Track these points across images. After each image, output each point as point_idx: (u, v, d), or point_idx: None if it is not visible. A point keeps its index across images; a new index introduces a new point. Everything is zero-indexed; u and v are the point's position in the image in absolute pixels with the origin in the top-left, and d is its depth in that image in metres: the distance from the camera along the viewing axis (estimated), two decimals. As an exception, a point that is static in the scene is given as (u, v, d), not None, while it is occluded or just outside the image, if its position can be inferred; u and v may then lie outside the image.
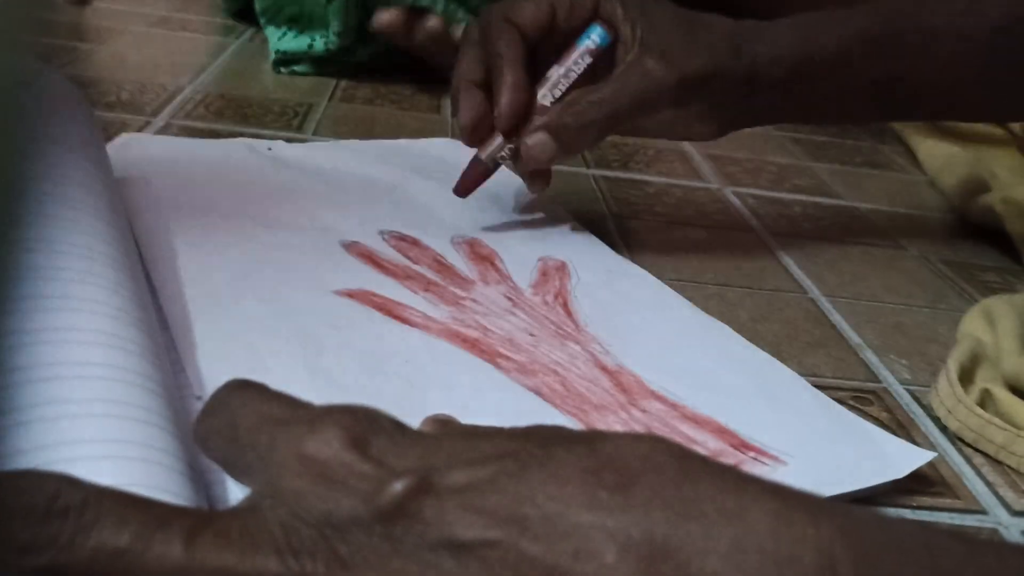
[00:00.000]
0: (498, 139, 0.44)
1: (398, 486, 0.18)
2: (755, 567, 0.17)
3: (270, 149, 0.53)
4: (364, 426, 0.20)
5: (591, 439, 0.20)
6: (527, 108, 0.44)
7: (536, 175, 0.46)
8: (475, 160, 0.45)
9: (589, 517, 0.18)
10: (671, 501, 0.18)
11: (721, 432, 0.33)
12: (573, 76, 0.44)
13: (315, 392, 0.22)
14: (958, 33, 0.47)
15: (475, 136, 0.45)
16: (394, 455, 0.19)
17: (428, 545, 0.18)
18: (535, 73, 0.45)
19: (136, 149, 0.50)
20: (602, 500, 0.18)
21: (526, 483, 0.18)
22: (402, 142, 0.59)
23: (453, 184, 0.46)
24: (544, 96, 0.44)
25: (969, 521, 0.32)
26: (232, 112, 0.63)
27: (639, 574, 0.17)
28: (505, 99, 0.43)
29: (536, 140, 0.43)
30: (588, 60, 0.45)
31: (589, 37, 0.45)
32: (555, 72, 0.45)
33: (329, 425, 0.20)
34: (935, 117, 0.60)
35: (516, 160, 0.45)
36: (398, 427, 0.21)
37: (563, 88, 0.44)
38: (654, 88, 0.43)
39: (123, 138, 0.51)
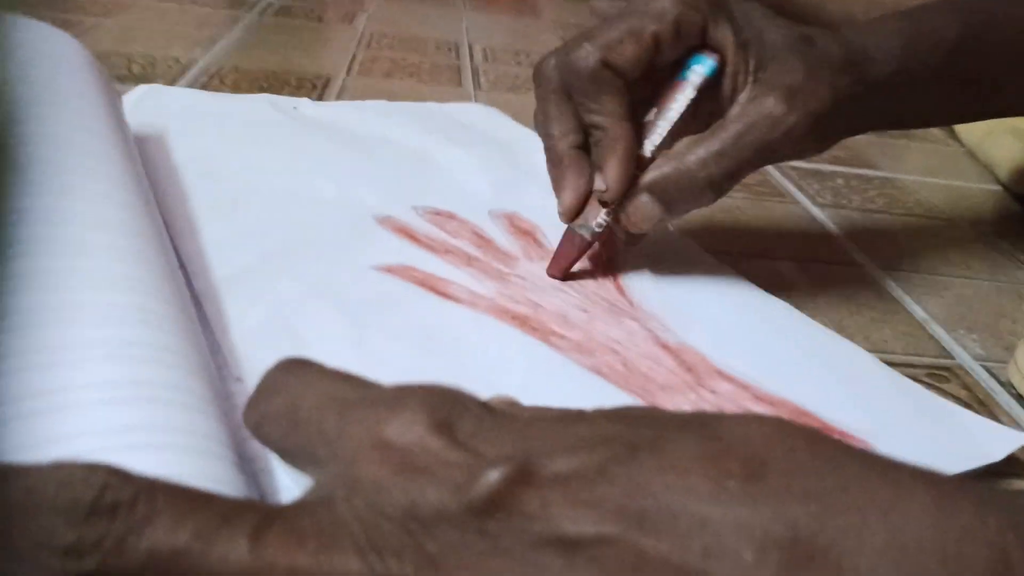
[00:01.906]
0: (598, 209, 0.36)
1: (494, 475, 0.16)
2: (917, 565, 0.15)
3: (296, 108, 0.50)
4: (448, 407, 0.17)
5: (704, 421, 0.17)
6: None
7: (633, 236, 0.38)
8: (571, 233, 0.37)
9: (718, 510, 0.15)
10: (812, 491, 0.15)
11: (799, 414, 0.30)
12: (675, 118, 0.36)
13: (364, 373, 0.19)
14: None
15: (576, 214, 0.37)
16: (484, 440, 0.17)
17: (531, 542, 0.15)
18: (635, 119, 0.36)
19: (153, 101, 0.47)
20: (731, 490, 0.15)
21: (640, 471, 0.16)
22: (431, 105, 0.56)
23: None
24: (649, 144, 0.36)
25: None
26: (248, 84, 0.60)
27: (781, 574, 0.14)
28: (614, 174, 0.35)
29: (641, 205, 0.36)
30: (692, 96, 0.36)
31: (693, 70, 0.36)
32: (656, 116, 0.36)
33: (410, 407, 0.17)
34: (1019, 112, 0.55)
35: (614, 221, 0.37)
36: (485, 408, 0.18)
37: (663, 133, 0.36)
38: (780, 134, 0.35)
39: (140, 89, 0.49)
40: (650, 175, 0.35)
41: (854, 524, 0.15)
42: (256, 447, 0.24)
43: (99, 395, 0.21)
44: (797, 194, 0.55)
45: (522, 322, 0.33)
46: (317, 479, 0.19)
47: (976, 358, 0.38)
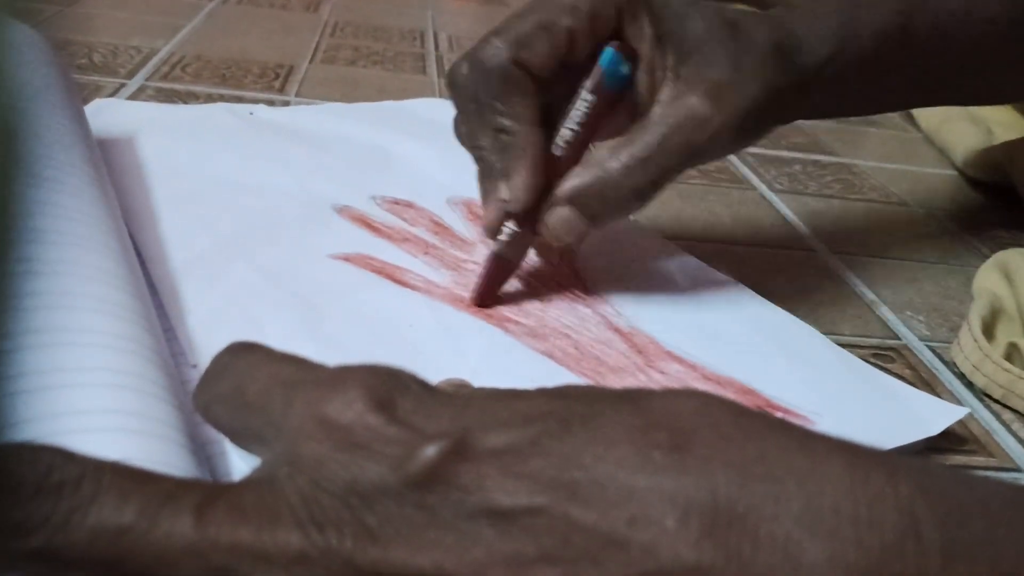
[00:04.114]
0: (510, 224, 0.33)
1: (431, 450, 0.16)
2: (831, 530, 0.15)
3: (252, 114, 0.51)
4: (389, 386, 0.18)
5: (636, 396, 0.18)
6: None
7: (552, 249, 0.36)
8: (495, 257, 0.34)
9: (644, 480, 0.16)
10: (734, 460, 0.16)
11: (744, 392, 0.31)
12: (582, 119, 0.33)
13: (318, 358, 0.20)
14: (979, 16, 0.41)
15: (496, 231, 0.34)
16: (423, 417, 0.18)
17: (466, 514, 0.16)
18: (548, 120, 0.33)
19: (110, 115, 0.47)
20: (657, 461, 0.16)
21: (571, 444, 0.17)
22: (388, 104, 0.57)
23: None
24: (556, 147, 0.33)
25: (1005, 479, 0.30)
26: (210, 74, 0.60)
27: (703, 540, 0.15)
28: (520, 183, 0.32)
29: (561, 218, 0.33)
30: (595, 97, 0.33)
31: (600, 66, 0.33)
32: (563, 116, 0.33)
33: (350, 385, 0.18)
34: (964, 102, 0.53)
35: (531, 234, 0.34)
36: (425, 387, 0.19)
37: (569, 137, 0.33)
38: (707, 136, 0.32)
39: (97, 103, 0.49)
40: (569, 185, 0.33)
41: (771, 492, 0.16)
42: (211, 431, 0.24)
43: (51, 380, 0.21)
44: (754, 180, 0.56)
45: (477, 308, 0.34)
46: (264, 458, 0.19)
47: (922, 339, 0.39)
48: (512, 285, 0.36)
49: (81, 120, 0.36)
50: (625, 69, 0.33)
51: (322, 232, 0.38)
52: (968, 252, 0.50)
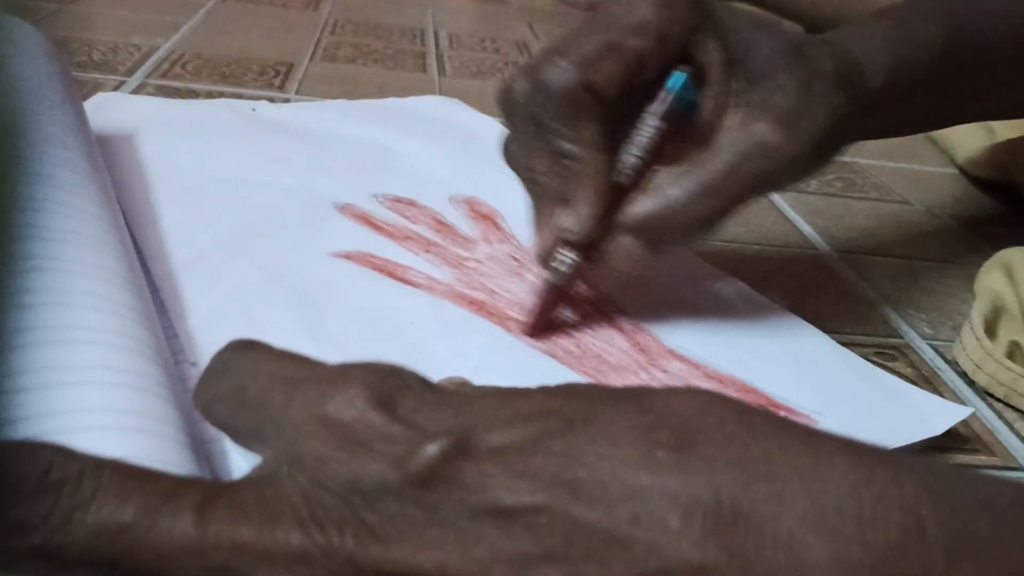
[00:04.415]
0: (569, 253, 0.32)
1: (432, 448, 0.16)
2: (834, 529, 0.15)
3: (254, 110, 0.50)
4: (390, 384, 0.18)
5: (638, 394, 0.18)
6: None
7: (608, 279, 0.35)
8: (546, 284, 0.32)
9: (647, 479, 0.16)
10: (737, 460, 0.16)
11: (746, 391, 0.31)
12: (649, 144, 0.31)
13: (318, 356, 0.20)
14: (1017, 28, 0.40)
15: (549, 258, 0.32)
16: (425, 415, 0.18)
17: (468, 512, 0.16)
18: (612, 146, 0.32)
19: (112, 109, 0.47)
20: (660, 460, 0.16)
21: (574, 443, 0.17)
22: (390, 101, 0.56)
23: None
24: (618, 174, 0.31)
25: (1008, 478, 0.30)
26: (210, 71, 0.60)
27: (706, 539, 0.15)
28: (587, 212, 0.31)
29: (623, 247, 0.32)
30: (663, 122, 0.31)
31: (670, 91, 0.31)
32: (628, 141, 0.31)
33: (352, 384, 0.18)
34: (1013, 115, 0.53)
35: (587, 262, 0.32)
36: (426, 385, 0.19)
37: (636, 163, 0.31)
38: (778, 165, 0.31)
39: (98, 98, 0.48)
40: (632, 213, 0.31)
41: (775, 491, 0.16)
42: (211, 430, 0.24)
43: (50, 378, 0.21)
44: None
45: (479, 307, 0.34)
46: (264, 457, 0.19)
47: (924, 337, 0.39)
48: (514, 284, 0.36)
49: (81, 118, 0.36)
50: (693, 94, 0.31)
51: (323, 230, 0.38)
52: (970, 250, 0.49)
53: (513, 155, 0.33)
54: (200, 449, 0.23)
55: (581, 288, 0.36)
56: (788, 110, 0.31)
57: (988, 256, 0.42)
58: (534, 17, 0.96)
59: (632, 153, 0.31)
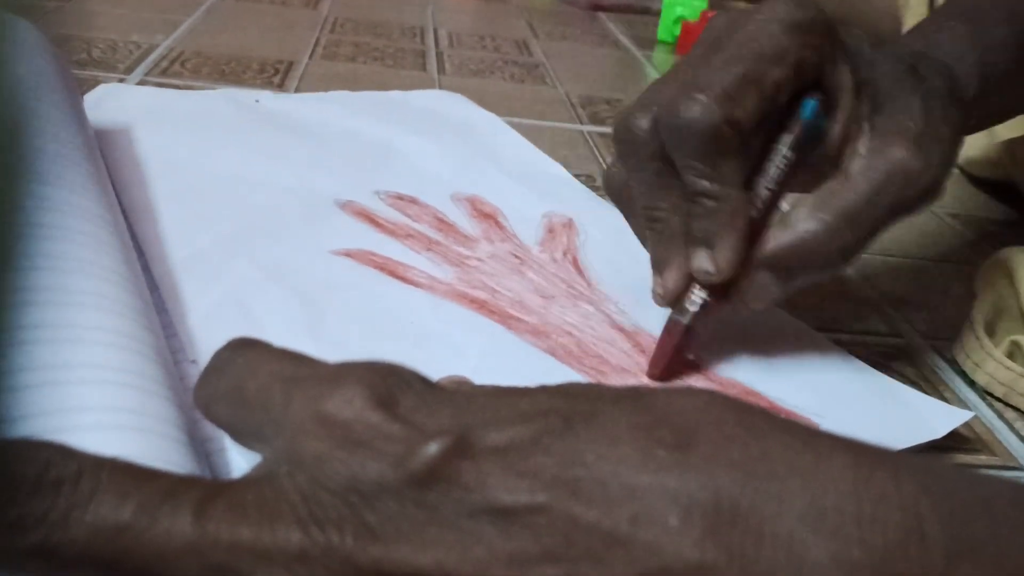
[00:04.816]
0: (702, 293, 0.31)
1: (432, 448, 0.16)
2: (834, 529, 0.15)
3: (257, 101, 0.50)
4: (390, 383, 0.18)
5: (638, 394, 0.18)
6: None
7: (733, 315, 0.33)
8: (678, 325, 0.31)
9: (647, 478, 0.16)
10: (737, 459, 0.16)
11: (747, 394, 0.31)
12: (781, 177, 0.30)
13: (320, 356, 0.20)
14: None
15: (678, 300, 0.31)
16: (424, 414, 0.18)
17: (467, 512, 0.16)
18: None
19: (114, 100, 0.47)
20: (660, 459, 0.16)
21: (573, 442, 0.16)
22: (393, 94, 0.56)
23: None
24: (752, 208, 0.30)
25: (1007, 478, 0.30)
26: (210, 69, 0.60)
27: (706, 539, 0.15)
28: (730, 255, 0.29)
29: (756, 285, 0.30)
30: (794, 152, 0.30)
31: (802, 120, 0.30)
32: (764, 174, 0.30)
33: (351, 382, 0.18)
34: None
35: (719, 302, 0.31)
36: (426, 384, 0.19)
37: (772, 192, 0.30)
38: (918, 189, 0.30)
39: (101, 89, 0.48)
40: (769, 249, 0.30)
41: (775, 490, 0.16)
42: (210, 428, 0.24)
43: (49, 377, 0.21)
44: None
45: (480, 306, 0.34)
46: (264, 455, 0.19)
47: (924, 336, 0.39)
48: (516, 283, 0.36)
49: (80, 116, 0.36)
50: (823, 121, 0.30)
51: (324, 227, 0.38)
52: (970, 250, 0.49)
53: (628, 192, 0.32)
54: (199, 448, 0.23)
55: (580, 285, 0.36)
56: (919, 133, 0.30)
57: (988, 255, 0.42)
58: (534, 16, 0.96)
59: (764, 186, 0.30)
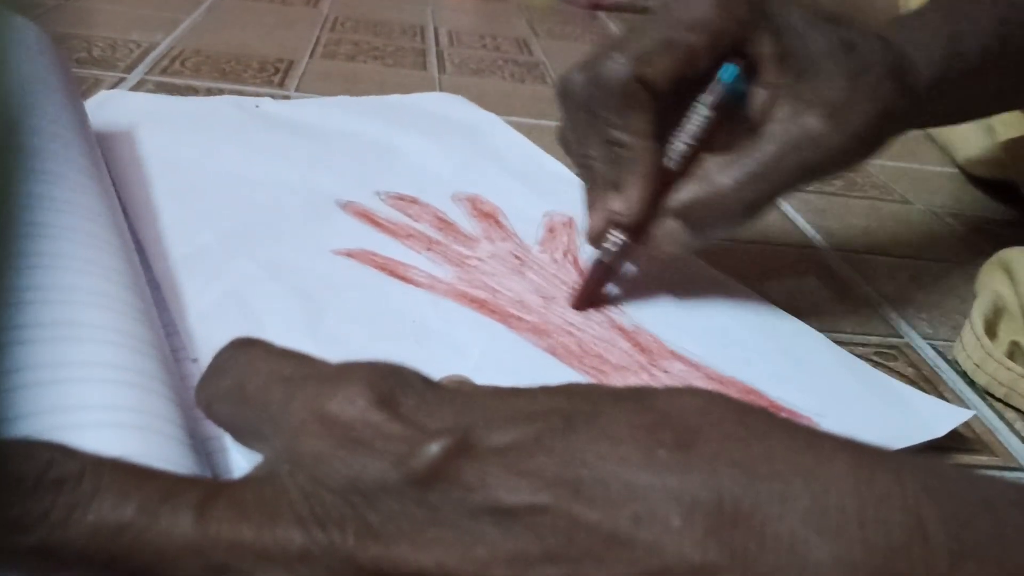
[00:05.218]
0: (619, 235, 0.34)
1: (434, 447, 0.16)
2: (837, 529, 0.15)
3: (258, 107, 0.50)
4: (391, 382, 0.18)
5: (640, 394, 0.18)
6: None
7: (652, 262, 0.37)
8: (597, 263, 0.34)
9: (649, 478, 0.16)
10: (739, 459, 0.16)
11: (747, 393, 0.31)
12: (699, 134, 0.33)
13: (320, 355, 0.20)
14: None
15: (600, 239, 0.34)
16: (426, 414, 0.17)
17: (469, 512, 0.16)
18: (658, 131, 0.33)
19: (116, 106, 0.47)
20: (661, 459, 0.16)
21: (575, 442, 0.16)
22: (393, 98, 0.56)
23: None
24: (668, 160, 0.33)
25: (1009, 479, 0.30)
26: (210, 68, 0.60)
27: (708, 539, 0.15)
28: (635, 196, 0.33)
29: (669, 230, 0.33)
30: (712, 113, 0.33)
31: (722, 82, 0.33)
32: (678, 129, 0.33)
33: (352, 382, 0.18)
34: None
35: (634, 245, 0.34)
36: (427, 383, 0.19)
37: (685, 151, 0.33)
38: (822, 155, 0.32)
39: (102, 95, 0.48)
40: (679, 198, 0.32)
41: (777, 490, 0.15)
42: (211, 427, 0.24)
43: (49, 375, 0.21)
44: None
45: (480, 305, 0.34)
46: (265, 455, 0.19)
47: (924, 337, 0.39)
48: (516, 283, 0.36)
49: (80, 114, 0.36)
50: (743, 86, 0.33)
51: (325, 227, 0.38)
52: (969, 250, 0.49)
53: (568, 142, 0.35)
54: (200, 447, 0.23)
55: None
56: (836, 102, 0.32)
57: (988, 255, 0.42)
58: (534, 15, 0.96)
59: (681, 140, 0.33)
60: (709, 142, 0.33)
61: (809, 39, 0.33)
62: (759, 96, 0.33)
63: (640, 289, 0.37)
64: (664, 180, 0.33)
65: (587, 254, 0.36)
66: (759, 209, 0.32)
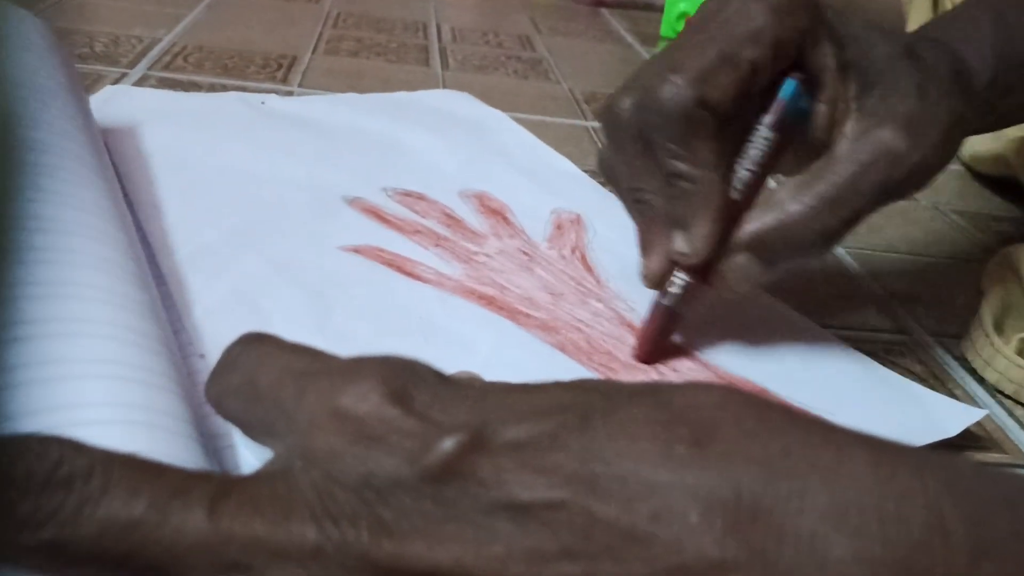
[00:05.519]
0: (683, 275, 0.31)
1: (448, 443, 0.16)
2: (856, 526, 0.15)
3: (263, 103, 0.50)
4: (404, 377, 0.18)
5: (656, 390, 0.18)
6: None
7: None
8: (660, 308, 0.31)
9: (666, 475, 0.16)
10: (757, 456, 0.16)
11: (759, 393, 0.31)
12: (762, 158, 0.30)
13: (328, 351, 0.19)
14: None
15: (661, 282, 0.31)
16: (440, 409, 0.17)
17: (483, 508, 0.16)
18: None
19: (121, 102, 0.47)
20: (679, 455, 0.16)
21: (591, 438, 0.16)
22: (400, 95, 0.56)
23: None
24: (732, 190, 0.30)
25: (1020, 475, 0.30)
26: (212, 64, 0.59)
27: (727, 536, 0.15)
28: (705, 233, 0.29)
29: (739, 266, 0.30)
30: (777, 133, 0.30)
31: (785, 100, 0.30)
32: (745, 155, 0.30)
33: (366, 377, 0.17)
34: None
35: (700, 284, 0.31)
36: (440, 378, 0.18)
37: (753, 174, 0.30)
38: (904, 173, 0.29)
39: (108, 90, 0.48)
40: (748, 230, 0.29)
41: (796, 487, 0.15)
42: (220, 423, 0.24)
43: (56, 372, 0.21)
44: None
45: (489, 302, 0.34)
46: (276, 451, 0.19)
47: (932, 333, 0.39)
48: (524, 279, 0.35)
49: (84, 109, 0.36)
50: (805, 102, 0.30)
51: (332, 223, 0.37)
52: (976, 247, 0.49)
53: (615, 174, 0.32)
54: (208, 443, 0.23)
55: (589, 282, 0.36)
56: (910, 115, 0.29)
57: (994, 252, 0.42)
58: (536, 11, 0.95)
59: (745, 167, 0.30)
60: (772, 165, 0.30)
61: (871, 48, 0.30)
62: (822, 111, 0.30)
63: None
64: (730, 211, 0.30)
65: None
66: (837, 237, 0.30)
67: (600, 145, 0.32)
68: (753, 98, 0.29)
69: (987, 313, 0.36)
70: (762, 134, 0.30)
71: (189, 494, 0.16)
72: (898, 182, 0.29)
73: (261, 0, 0.80)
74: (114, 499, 0.16)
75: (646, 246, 0.31)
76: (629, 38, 0.89)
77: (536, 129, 0.53)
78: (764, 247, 0.30)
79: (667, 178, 0.29)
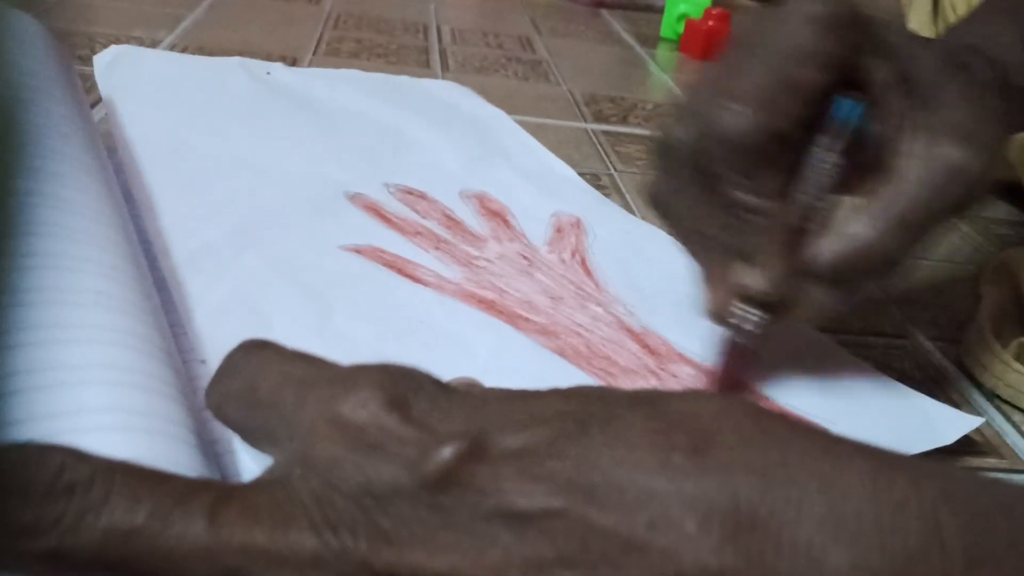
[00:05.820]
0: (754, 310, 0.29)
1: (446, 451, 0.16)
2: (854, 535, 0.15)
3: (269, 73, 0.50)
4: (403, 385, 0.18)
5: (654, 398, 0.18)
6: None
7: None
8: (734, 345, 0.30)
9: (664, 483, 0.16)
10: (755, 464, 0.16)
11: (758, 400, 0.31)
12: (827, 183, 0.29)
13: (328, 355, 0.20)
14: None
15: (725, 316, 0.30)
16: (438, 417, 0.17)
17: (482, 516, 0.16)
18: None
19: (124, 65, 0.47)
20: (677, 464, 0.16)
21: (589, 446, 0.16)
22: (404, 79, 0.56)
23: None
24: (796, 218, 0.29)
25: (1017, 481, 0.30)
26: (214, 66, 0.59)
27: (725, 545, 0.15)
28: (777, 269, 0.28)
29: (811, 299, 0.29)
30: (840, 154, 0.29)
31: (840, 120, 0.28)
32: (808, 181, 0.29)
33: (365, 384, 0.17)
34: None
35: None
36: (439, 386, 0.19)
37: (819, 200, 0.29)
38: (969, 187, 0.28)
39: (112, 50, 0.48)
40: (821, 259, 0.28)
41: (794, 496, 0.15)
42: (219, 429, 0.24)
43: (56, 378, 0.21)
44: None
45: (488, 306, 0.34)
46: (276, 458, 0.19)
47: (930, 337, 0.39)
48: (524, 284, 0.36)
49: (83, 111, 0.36)
50: (862, 119, 0.28)
51: (333, 221, 0.37)
52: (975, 251, 0.49)
53: (670, 207, 0.30)
54: (208, 449, 0.23)
55: (589, 287, 0.36)
56: (967, 127, 0.28)
57: (993, 256, 0.42)
58: (537, 12, 0.96)
59: (809, 194, 0.29)
60: (833, 190, 0.29)
61: (919, 59, 0.29)
62: (880, 129, 0.29)
63: (650, 290, 0.37)
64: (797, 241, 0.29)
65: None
66: (908, 257, 0.29)
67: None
68: (808, 119, 0.28)
69: (984, 317, 0.37)
70: (825, 159, 0.29)
71: (189, 502, 0.16)
72: (964, 197, 0.28)
73: (261, 1, 0.80)
74: (116, 507, 0.16)
75: (707, 280, 0.30)
76: (629, 39, 0.89)
77: (536, 131, 0.53)
78: (837, 275, 0.29)
79: (730, 210, 0.28)
